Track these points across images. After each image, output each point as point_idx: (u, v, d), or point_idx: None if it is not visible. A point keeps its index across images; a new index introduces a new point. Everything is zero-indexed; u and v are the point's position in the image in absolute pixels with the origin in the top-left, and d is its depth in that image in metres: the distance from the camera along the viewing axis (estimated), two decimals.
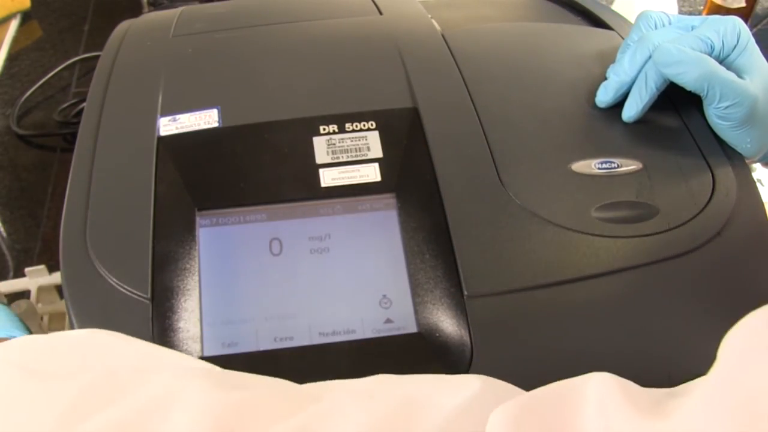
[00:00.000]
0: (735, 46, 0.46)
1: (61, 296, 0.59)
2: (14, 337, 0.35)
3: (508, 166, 0.45)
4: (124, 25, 0.58)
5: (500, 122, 0.47)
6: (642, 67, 0.47)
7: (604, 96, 0.49)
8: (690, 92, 0.47)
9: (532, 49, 0.54)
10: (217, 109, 0.47)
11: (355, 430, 0.28)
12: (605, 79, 0.49)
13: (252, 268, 0.41)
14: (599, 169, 0.45)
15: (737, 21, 0.46)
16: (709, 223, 0.43)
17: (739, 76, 0.45)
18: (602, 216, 0.43)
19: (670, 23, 0.50)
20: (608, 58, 0.52)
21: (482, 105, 0.48)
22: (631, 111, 0.48)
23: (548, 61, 0.53)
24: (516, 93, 0.50)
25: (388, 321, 0.40)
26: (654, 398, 0.29)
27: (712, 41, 0.45)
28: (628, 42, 0.50)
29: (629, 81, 0.48)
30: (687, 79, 0.45)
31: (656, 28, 0.49)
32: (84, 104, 0.50)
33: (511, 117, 0.48)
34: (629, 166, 0.45)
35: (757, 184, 0.46)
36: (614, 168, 0.45)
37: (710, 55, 0.45)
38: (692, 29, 0.47)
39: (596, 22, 0.60)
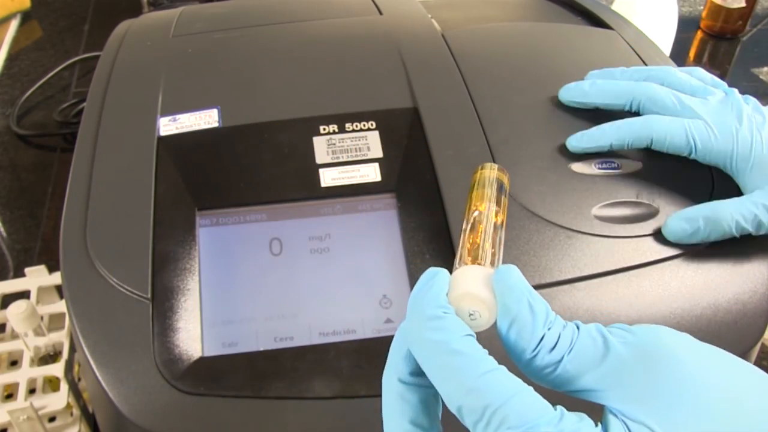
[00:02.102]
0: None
1: (61, 296, 0.59)
2: None
3: (508, 166, 0.45)
4: (124, 25, 0.58)
5: (500, 122, 0.47)
6: (627, 144, 0.45)
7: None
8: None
9: (533, 49, 0.54)
10: (217, 109, 0.47)
11: None
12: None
13: (252, 268, 0.41)
14: (599, 168, 0.45)
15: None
16: None
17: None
18: (602, 215, 0.43)
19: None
20: (608, 57, 0.52)
21: (482, 105, 0.48)
22: (580, 144, 0.45)
23: (548, 60, 0.53)
24: (516, 93, 0.50)
25: (388, 321, 0.40)
26: None
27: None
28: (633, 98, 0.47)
29: (605, 148, 0.45)
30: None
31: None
32: (84, 104, 0.50)
33: (512, 117, 0.48)
34: (629, 166, 0.45)
35: None
36: (614, 168, 0.45)
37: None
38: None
39: (596, 22, 0.60)
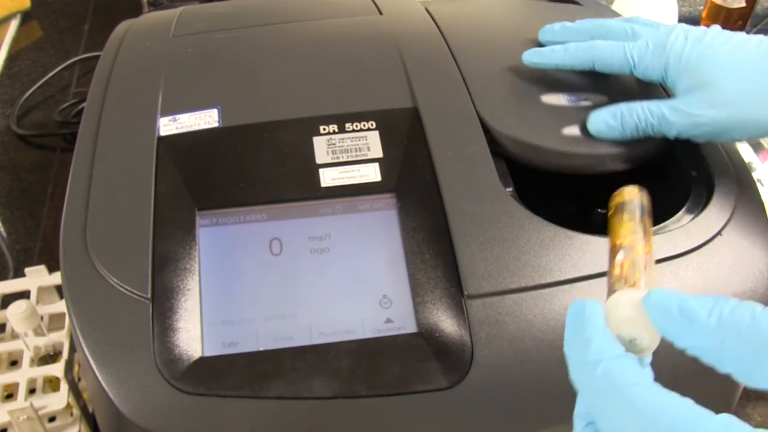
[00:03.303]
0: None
1: (61, 296, 0.59)
2: None
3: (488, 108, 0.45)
4: (124, 25, 0.58)
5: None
6: (572, 65, 0.49)
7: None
8: None
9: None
10: (217, 109, 0.47)
11: None
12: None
13: (252, 268, 0.41)
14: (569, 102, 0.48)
15: None
16: (709, 223, 0.43)
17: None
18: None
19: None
20: None
21: (482, 105, 0.48)
22: (531, 59, 0.50)
23: None
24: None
25: (388, 321, 0.40)
26: None
27: None
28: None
29: (552, 66, 0.49)
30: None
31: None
32: (84, 104, 0.50)
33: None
34: None
35: (757, 184, 0.46)
36: None
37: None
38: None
39: None
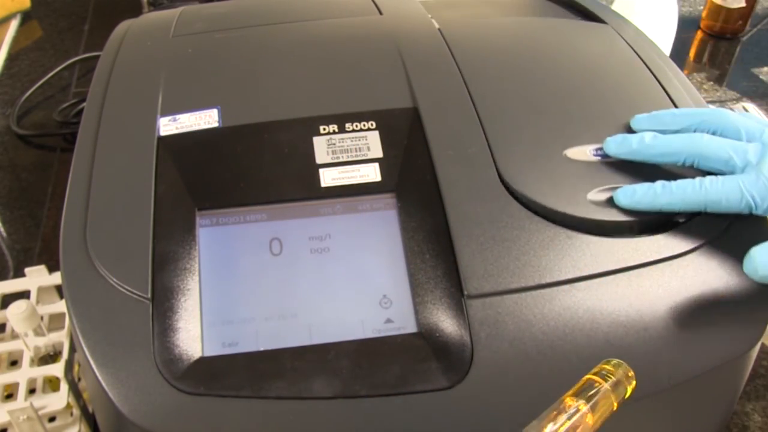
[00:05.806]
0: None
1: (61, 296, 0.59)
2: None
3: (507, 164, 0.45)
4: (124, 25, 0.58)
5: (500, 121, 0.47)
6: (679, 209, 0.43)
7: (617, 149, 0.45)
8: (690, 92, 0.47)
9: (531, 46, 0.54)
10: (217, 109, 0.47)
11: None
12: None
13: (252, 268, 0.41)
14: (594, 155, 0.45)
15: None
16: (709, 223, 0.43)
17: None
18: (597, 200, 0.43)
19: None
20: (602, 50, 0.52)
21: (482, 104, 0.48)
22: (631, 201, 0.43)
23: (545, 56, 0.53)
24: (515, 91, 0.50)
25: (388, 321, 0.40)
26: None
27: None
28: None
29: (656, 209, 0.43)
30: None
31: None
32: (84, 104, 0.50)
33: (511, 114, 0.48)
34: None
35: None
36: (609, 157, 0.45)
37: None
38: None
39: (596, 21, 0.60)
